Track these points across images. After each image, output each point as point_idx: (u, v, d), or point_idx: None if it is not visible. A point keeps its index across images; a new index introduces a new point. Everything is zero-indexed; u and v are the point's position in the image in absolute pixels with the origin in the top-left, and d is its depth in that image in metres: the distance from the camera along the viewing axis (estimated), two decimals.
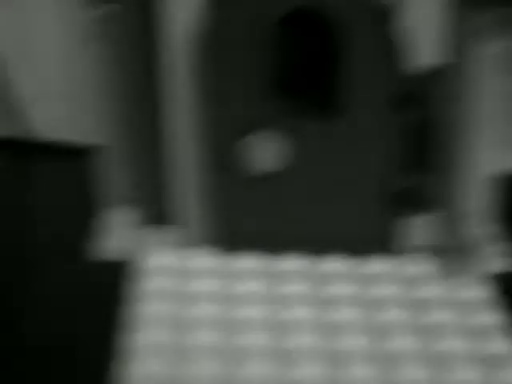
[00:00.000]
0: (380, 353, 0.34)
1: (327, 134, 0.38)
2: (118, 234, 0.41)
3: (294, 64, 0.39)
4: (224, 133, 0.37)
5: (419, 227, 0.40)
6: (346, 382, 0.32)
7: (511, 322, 0.36)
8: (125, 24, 0.38)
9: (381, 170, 0.39)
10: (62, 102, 0.53)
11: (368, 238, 0.40)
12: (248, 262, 0.39)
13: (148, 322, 0.34)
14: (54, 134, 0.54)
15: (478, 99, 0.41)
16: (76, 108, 0.53)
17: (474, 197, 0.43)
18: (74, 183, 0.48)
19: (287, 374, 0.32)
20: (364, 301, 0.37)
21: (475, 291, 0.38)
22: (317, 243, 0.40)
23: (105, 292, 0.37)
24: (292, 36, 0.38)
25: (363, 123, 0.38)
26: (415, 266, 0.39)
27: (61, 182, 0.49)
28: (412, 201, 0.39)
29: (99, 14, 0.47)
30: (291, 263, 0.39)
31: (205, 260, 0.39)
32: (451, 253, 0.40)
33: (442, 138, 0.39)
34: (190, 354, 0.33)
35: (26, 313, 0.37)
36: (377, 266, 0.39)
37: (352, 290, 0.37)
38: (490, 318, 0.36)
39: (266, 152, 0.37)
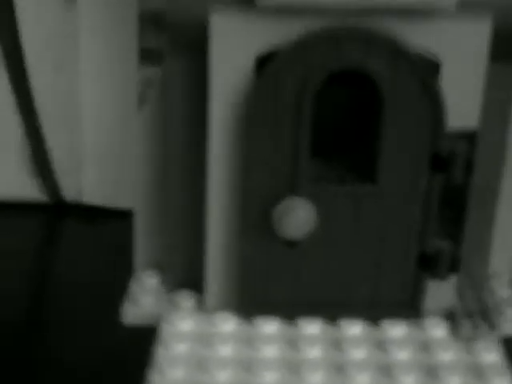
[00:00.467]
0: None
1: (358, 198, 0.39)
2: (147, 298, 0.42)
3: (329, 126, 0.40)
4: (256, 199, 0.38)
5: (439, 290, 0.41)
6: None
7: None
8: (173, 88, 0.40)
9: (408, 235, 0.39)
10: (99, 166, 0.55)
11: (392, 302, 0.41)
12: (269, 328, 0.40)
13: None
14: (90, 198, 0.56)
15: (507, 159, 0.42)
16: (110, 173, 0.55)
17: (495, 259, 0.44)
18: (108, 247, 0.50)
19: None
20: (380, 366, 0.38)
21: (492, 356, 0.39)
22: (339, 307, 0.41)
23: (132, 356, 0.39)
24: (329, 96, 0.39)
25: (395, 187, 0.38)
26: (433, 330, 0.40)
27: (95, 246, 0.51)
28: (438, 265, 0.40)
29: (150, 76, 0.49)
30: (310, 328, 0.40)
31: (228, 325, 0.40)
32: (469, 317, 0.40)
33: (467, 202, 0.39)
34: None
35: (53, 375, 0.38)
36: (395, 330, 0.40)
37: (367, 355, 0.38)
38: (504, 382, 0.37)
39: (297, 218, 0.38)
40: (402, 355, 0.38)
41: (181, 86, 0.40)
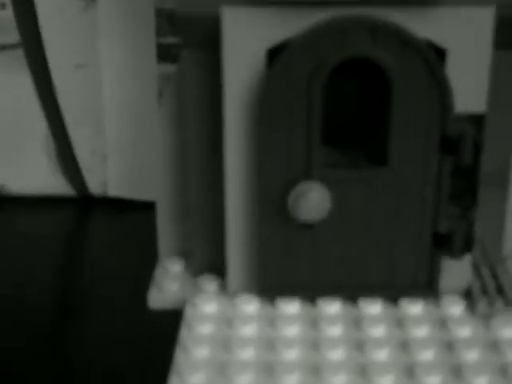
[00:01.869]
0: None
1: (371, 182, 0.40)
2: (172, 284, 0.44)
3: (341, 114, 0.42)
4: (272, 184, 0.40)
5: (455, 269, 0.42)
6: None
7: None
8: (189, 83, 0.41)
9: (421, 215, 0.40)
10: (122, 160, 0.57)
11: (409, 282, 0.42)
12: (290, 309, 0.41)
13: (196, 364, 0.37)
14: (114, 190, 0.58)
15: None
16: (133, 166, 0.56)
17: (509, 239, 0.45)
18: (133, 237, 0.52)
19: None
20: (398, 343, 0.39)
21: (508, 331, 0.39)
22: (357, 288, 0.42)
23: (159, 339, 0.40)
24: (340, 85, 0.40)
25: (407, 170, 0.39)
26: (450, 308, 0.41)
27: (120, 236, 0.52)
28: (452, 243, 0.41)
29: (168, 71, 0.51)
30: (331, 308, 0.41)
31: (250, 307, 0.41)
32: (485, 294, 0.41)
33: (479, 181, 0.40)
34: None
35: (84, 357, 0.40)
36: (413, 308, 0.41)
37: (386, 332, 0.39)
38: None
39: (311, 202, 0.39)
40: (421, 332, 0.39)
41: (196, 80, 0.41)
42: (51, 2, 0.54)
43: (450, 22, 0.38)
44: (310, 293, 0.42)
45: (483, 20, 0.38)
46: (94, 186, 0.58)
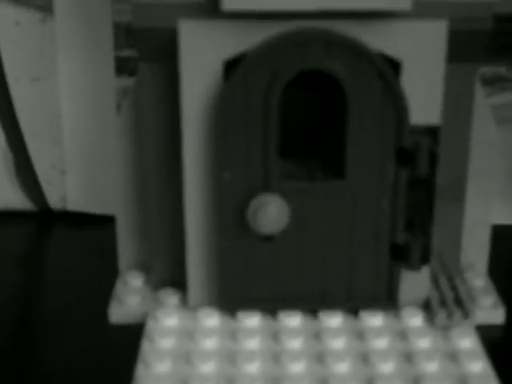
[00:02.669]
0: None
1: (329, 194, 0.40)
2: (132, 298, 0.44)
3: (299, 127, 0.42)
4: (231, 196, 0.40)
5: (413, 281, 0.42)
6: None
7: (500, 371, 0.38)
8: (147, 95, 0.41)
9: (378, 227, 0.41)
10: (81, 174, 0.57)
11: (368, 294, 0.42)
12: (251, 322, 0.41)
13: (157, 378, 0.37)
14: (74, 204, 0.57)
15: (471, 154, 0.43)
16: (93, 180, 0.56)
17: (468, 251, 0.46)
18: (93, 251, 0.51)
19: None
20: (359, 355, 0.39)
21: (467, 342, 0.40)
22: (317, 300, 0.42)
23: (120, 353, 0.40)
24: (297, 98, 0.41)
25: (363, 182, 0.40)
26: (409, 319, 0.42)
27: (80, 250, 0.52)
28: (410, 255, 0.41)
29: (126, 84, 0.51)
30: (291, 321, 0.41)
31: (211, 320, 0.41)
32: (444, 305, 0.42)
33: (436, 192, 0.40)
34: None
35: (45, 372, 0.40)
36: (373, 320, 0.41)
37: (346, 344, 0.40)
38: (479, 366, 0.38)
39: (269, 214, 0.39)
40: (380, 344, 0.40)
41: (154, 93, 0.41)
42: (8, 15, 0.53)
43: (404, 35, 0.38)
44: (271, 305, 0.42)
45: (436, 33, 0.38)
46: (54, 200, 0.58)
